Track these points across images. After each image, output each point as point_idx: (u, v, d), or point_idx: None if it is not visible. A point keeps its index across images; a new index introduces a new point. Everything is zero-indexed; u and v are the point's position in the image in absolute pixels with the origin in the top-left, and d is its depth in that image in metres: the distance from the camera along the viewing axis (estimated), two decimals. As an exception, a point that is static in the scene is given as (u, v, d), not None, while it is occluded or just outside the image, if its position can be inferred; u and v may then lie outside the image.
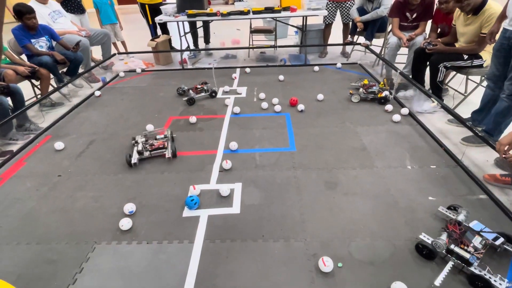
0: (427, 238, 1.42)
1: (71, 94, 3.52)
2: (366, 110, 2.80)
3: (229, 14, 3.72)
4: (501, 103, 2.09)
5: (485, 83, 2.42)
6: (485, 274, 1.25)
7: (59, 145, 2.37)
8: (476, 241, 1.36)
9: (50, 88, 3.18)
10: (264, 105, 2.89)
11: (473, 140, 2.21)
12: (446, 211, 1.59)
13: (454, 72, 2.99)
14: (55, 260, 1.48)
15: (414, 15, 3.26)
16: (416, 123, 2.55)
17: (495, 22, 2.22)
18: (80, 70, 3.63)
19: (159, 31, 4.76)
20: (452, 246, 1.35)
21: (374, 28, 3.88)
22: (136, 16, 5.23)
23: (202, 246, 1.52)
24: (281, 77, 3.56)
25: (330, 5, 4.13)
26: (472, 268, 1.28)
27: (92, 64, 3.93)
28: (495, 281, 1.23)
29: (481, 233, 1.39)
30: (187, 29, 4.79)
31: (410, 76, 3.07)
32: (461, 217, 1.48)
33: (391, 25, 3.65)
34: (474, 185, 1.84)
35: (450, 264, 1.35)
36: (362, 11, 3.90)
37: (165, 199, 1.83)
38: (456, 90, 2.99)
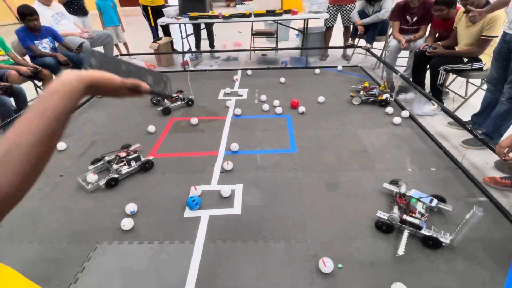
0: (383, 215, 1.56)
1: (73, 95, 3.53)
2: (366, 112, 2.81)
3: (231, 16, 3.75)
4: (501, 106, 2.11)
5: (485, 86, 2.43)
6: (433, 234, 1.45)
7: (61, 145, 2.39)
8: (419, 207, 1.57)
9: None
10: (265, 107, 2.90)
11: (473, 142, 2.22)
12: (390, 186, 1.78)
13: (454, 75, 3.01)
14: (57, 259, 1.48)
15: (415, 19, 3.29)
16: (417, 126, 2.56)
17: (483, 12, 2.24)
18: (83, 71, 3.64)
19: (161, 33, 4.79)
20: (404, 217, 1.52)
21: (375, 31, 3.91)
22: (138, 18, 5.27)
23: (203, 246, 1.53)
24: (282, 79, 3.58)
25: (331, 8, 4.16)
26: (422, 231, 1.47)
27: (95, 65, 3.95)
28: (441, 237, 1.44)
29: (420, 199, 1.60)
30: (189, 31, 4.82)
31: (410, 79, 3.09)
32: (402, 189, 1.68)
33: (391, 28, 3.68)
34: (474, 187, 1.85)
35: (406, 233, 1.50)
36: (363, 14, 3.93)
37: (167, 199, 1.84)
38: (456, 93, 3.00)
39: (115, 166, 2.00)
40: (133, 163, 2.06)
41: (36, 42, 3.13)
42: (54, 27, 3.42)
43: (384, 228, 1.54)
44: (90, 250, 1.52)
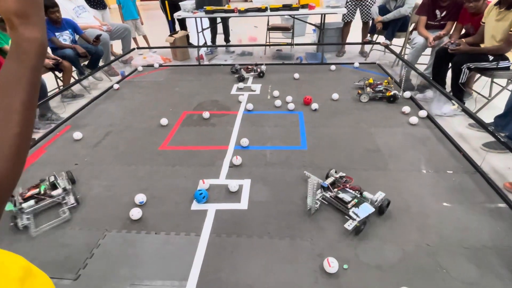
0: (332, 171, 1.82)
1: (91, 87, 3.64)
2: (382, 111, 2.73)
3: (247, 11, 3.72)
4: (527, 108, 1.98)
5: (511, 87, 2.29)
6: (313, 195, 1.58)
7: (77, 135, 2.46)
8: (342, 195, 1.67)
9: (72, 80, 3.30)
10: (278, 102, 2.87)
11: (495, 146, 2.11)
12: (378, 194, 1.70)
13: (478, 75, 2.86)
14: (68, 245, 1.54)
15: (444, 13, 3.09)
16: (435, 126, 2.46)
17: None
18: (100, 64, 3.74)
19: (177, 27, 4.83)
20: (330, 176, 1.81)
21: (396, 27, 3.77)
22: (157, 13, 5.33)
23: (208, 239, 1.54)
24: (297, 75, 3.53)
25: (350, 3, 4.04)
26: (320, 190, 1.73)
27: (112, 58, 4.05)
28: (310, 200, 1.59)
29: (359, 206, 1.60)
30: (205, 25, 4.84)
31: (431, 78, 2.96)
32: (367, 194, 1.66)
33: (413, 24, 3.52)
34: (493, 193, 1.76)
35: (314, 179, 1.61)
36: (383, 9, 3.79)
37: (175, 191, 1.87)
38: (479, 93, 2.85)
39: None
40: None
41: (57, 34, 3.23)
42: (74, 19, 3.51)
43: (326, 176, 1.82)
44: (100, 238, 1.57)
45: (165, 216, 1.69)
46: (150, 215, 1.70)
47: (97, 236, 1.58)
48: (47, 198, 1.74)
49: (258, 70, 3.58)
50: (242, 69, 3.60)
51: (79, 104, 3.10)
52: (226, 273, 1.37)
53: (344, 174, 1.83)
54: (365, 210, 1.55)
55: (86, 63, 3.54)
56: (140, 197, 1.76)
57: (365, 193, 1.67)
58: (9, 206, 1.63)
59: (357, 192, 1.69)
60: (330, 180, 1.77)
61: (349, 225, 1.50)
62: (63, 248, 1.52)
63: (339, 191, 1.69)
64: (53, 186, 1.80)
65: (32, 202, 1.69)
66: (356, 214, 1.53)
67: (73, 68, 3.30)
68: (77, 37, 3.47)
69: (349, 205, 1.60)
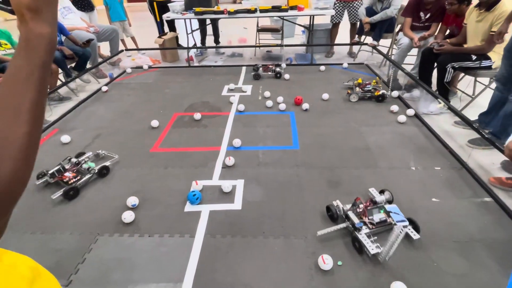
0: (336, 204, 1.60)
1: (78, 89, 3.57)
2: (371, 110, 2.78)
3: (236, 12, 3.73)
4: (509, 105, 2.06)
5: (493, 85, 2.38)
6: (363, 240, 1.39)
7: (65, 138, 2.41)
8: (376, 216, 1.50)
9: (58, 83, 3.22)
10: (269, 103, 2.89)
11: (480, 142, 2.18)
12: (373, 192, 1.71)
13: (462, 74, 2.95)
14: (59, 250, 1.50)
15: (428, 15, 3.19)
16: (422, 125, 2.52)
17: (503, 22, 2.19)
18: (88, 66, 3.68)
19: (166, 29, 4.79)
20: (348, 212, 1.52)
21: (382, 28, 3.85)
22: (145, 14, 5.27)
23: (203, 240, 1.53)
24: (287, 76, 3.56)
25: (338, 4, 4.11)
26: (356, 232, 1.44)
27: (100, 60, 3.98)
28: (369, 246, 1.36)
29: (389, 212, 1.52)
30: (194, 26, 4.82)
31: (417, 78, 3.04)
32: (378, 198, 1.60)
33: (400, 25, 3.61)
34: (479, 187, 1.82)
35: (340, 225, 1.51)
36: (370, 11, 3.87)
37: (168, 193, 1.85)
38: (463, 92, 2.94)
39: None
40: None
41: (42, 35, 3.15)
42: (60, 21, 3.44)
43: (329, 214, 1.61)
44: (91, 242, 1.54)
45: (158, 219, 1.67)
46: (143, 217, 1.68)
47: (89, 241, 1.54)
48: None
49: (276, 70, 3.58)
50: (260, 68, 3.64)
51: (67, 107, 3.03)
52: (222, 273, 1.37)
53: (351, 204, 1.60)
54: (396, 210, 1.53)
55: (73, 65, 3.47)
56: (132, 200, 1.74)
57: (376, 199, 1.61)
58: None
59: (372, 205, 1.57)
60: (352, 215, 1.51)
61: (411, 232, 1.44)
62: (54, 253, 1.48)
63: (369, 218, 1.49)
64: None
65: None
66: (403, 221, 1.48)
67: (60, 71, 3.23)
68: (63, 38, 3.40)
69: (389, 220, 1.50)
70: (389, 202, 1.64)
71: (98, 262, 1.44)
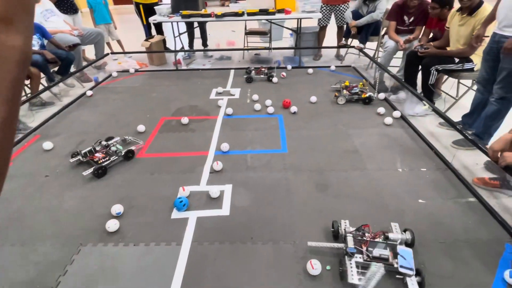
0: (344, 224, 1.52)
1: (62, 94, 3.47)
2: (358, 112, 2.81)
3: (224, 15, 3.72)
4: (490, 106, 2.12)
5: (475, 87, 2.44)
6: (348, 267, 1.30)
7: (47, 145, 2.33)
8: (376, 250, 1.35)
9: (41, 87, 3.13)
10: (257, 106, 2.88)
11: (464, 143, 2.23)
12: (394, 227, 1.51)
13: (446, 76, 3.02)
14: (39, 262, 1.44)
15: (411, 19, 3.28)
16: (408, 126, 2.56)
17: (480, 26, 2.25)
18: (72, 69, 3.59)
19: (153, 31, 4.74)
20: (347, 236, 1.43)
21: (369, 31, 3.91)
22: (132, 17, 5.20)
23: (190, 248, 1.50)
24: (275, 79, 3.56)
25: (325, 8, 4.15)
26: (346, 257, 1.34)
27: (84, 63, 3.89)
28: (352, 274, 1.27)
29: (398, 253, 1.33)
30: (182, 29, 4.78)
31: (403, 80, 3.09)
32: (394, 235, 1.43)
33: (385, 28, 3.67)
34: (463, 188, 1.85)
35: (335, 245, 1.43)
36: (356, 14, 3.92)
37: (154, 200, 1.81)
38: (447, 94, 3.01)
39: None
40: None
41: (23, 39, 3.06)
42: (43, 24, 3.35)
43: (332, 230, 1.52)
44: (74, 253, 1.49)
45: (144, 227, 1.63)
46: (128, 226, 1.63)
47: (71, 252, 1.49)
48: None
49: (268, 73, 3.57)
50: (253, 71, 3.61)
51: (49, 112, 2.94)
52: (210, 281, 1.34)
53: (359, 226, 1.46)
54: (407, 254, 1.32)
55: (56, 69, 3.38)
56: (117, 208, 1.69)
57: (390, 235, 1.42)
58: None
59: (382, 238, 1.41)
60: (349, 239, 1.40)
61: (412, 284, 1.24)
62: (34, 266, 1.43)
63: (369, 249, 1.36)
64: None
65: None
66: (407, 268, 1.27)
67: (42, 75, 3.14)
68: (46, 42, 3.31)
69: (391, 260, 1.33)
70: (407, 244, 1.43)
71: (81, 273, 1.39)
